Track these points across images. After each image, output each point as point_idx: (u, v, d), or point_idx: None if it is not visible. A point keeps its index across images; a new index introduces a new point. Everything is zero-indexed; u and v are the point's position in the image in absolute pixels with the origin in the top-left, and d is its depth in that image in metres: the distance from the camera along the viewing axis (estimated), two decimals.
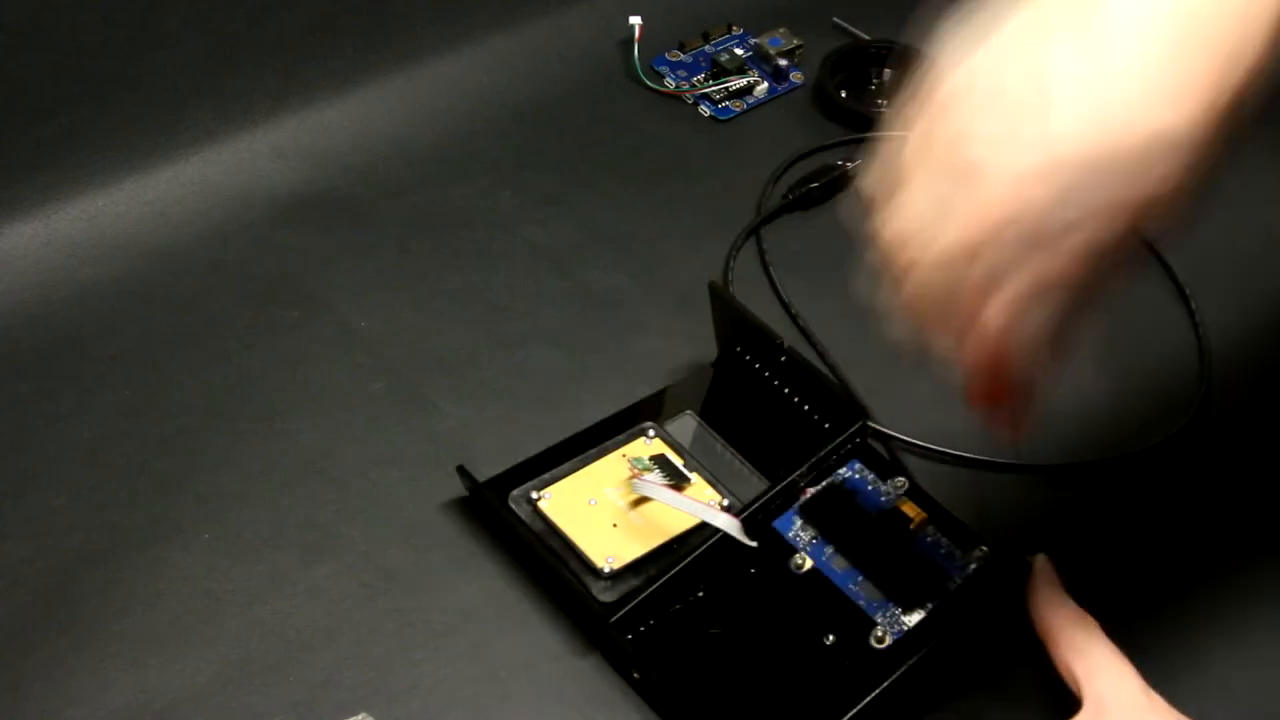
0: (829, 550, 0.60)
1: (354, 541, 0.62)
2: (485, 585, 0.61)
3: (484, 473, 0.62)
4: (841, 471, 0.63)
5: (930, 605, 0.58)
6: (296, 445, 0.66)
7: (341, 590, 0.60)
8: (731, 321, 0.66)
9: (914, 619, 0.58)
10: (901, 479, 0.62)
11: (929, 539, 0.60)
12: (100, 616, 0.59)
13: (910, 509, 0.61)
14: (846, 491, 0.62)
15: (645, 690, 0.57)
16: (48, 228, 0.74)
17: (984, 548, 0.59)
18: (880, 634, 0.57)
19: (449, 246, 0.76)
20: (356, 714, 0.56)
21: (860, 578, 0.59)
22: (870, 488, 0.62)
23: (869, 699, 0.55)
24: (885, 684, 0.56)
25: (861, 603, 0.59)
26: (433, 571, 0.61)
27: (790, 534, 0.61)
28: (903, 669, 0.56)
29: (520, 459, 0.63)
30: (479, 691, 0.57)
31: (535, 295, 0.74)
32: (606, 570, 0.59)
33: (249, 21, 0.78)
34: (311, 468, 0.65)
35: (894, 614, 0.58)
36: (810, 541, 0.61)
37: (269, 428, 0.67)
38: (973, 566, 0.59)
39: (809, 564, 0.60)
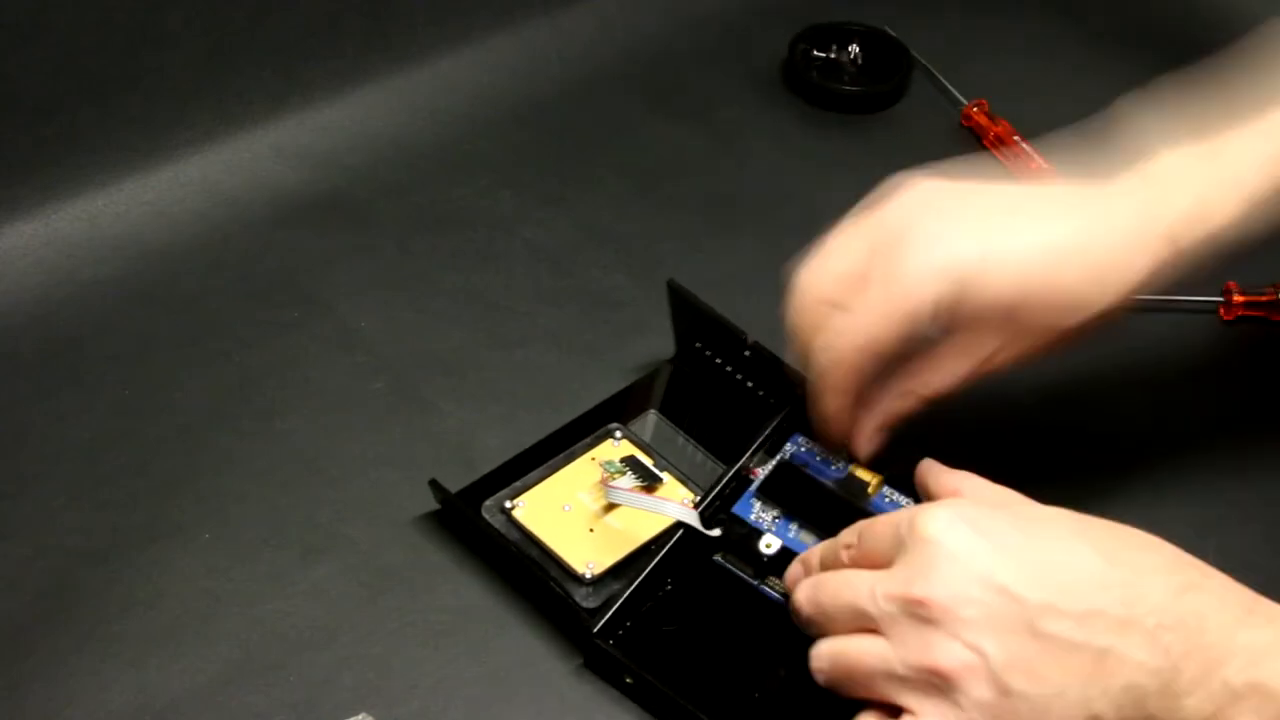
0: (794, 527, 0.60)
1: (354, 541, 0.62)
2: (485, 585, 0.61)
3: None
4: (787, 447, 0.63)
5: None
6: (297, 445, 0.66)
7: (341, 590, 0.60)
8: (693, 317, 0.66)
9: None
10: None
11: (888, 500, 0.60)
12: (100, 616, 0.59)
13: (865, 473, 0.60)
14: (795, 467, 0.62)
15: (639, 694, 0.57)
16: (48, 228, 0.74)
17: None
18: None
19: (449, 246, 0.76)
20: (356, 714, 0.56)
21: None
22: (819, 459, 0.62)
23: None
24: None
25: None
26: (433, 571, 0.61)
27: (752, 517, 0.61)
28: None
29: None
30: (479, 691, 0.57)
31: (535, 295, 0.74)
32: (588, 576, 0.59)
33: (249, 21, 0.78)
34: (311, 468, 0.65)
35: None
36: (774, 521, 0.61)
37: (269, 428, 0.67)
38: None
39: (777, 544, 0.60)
